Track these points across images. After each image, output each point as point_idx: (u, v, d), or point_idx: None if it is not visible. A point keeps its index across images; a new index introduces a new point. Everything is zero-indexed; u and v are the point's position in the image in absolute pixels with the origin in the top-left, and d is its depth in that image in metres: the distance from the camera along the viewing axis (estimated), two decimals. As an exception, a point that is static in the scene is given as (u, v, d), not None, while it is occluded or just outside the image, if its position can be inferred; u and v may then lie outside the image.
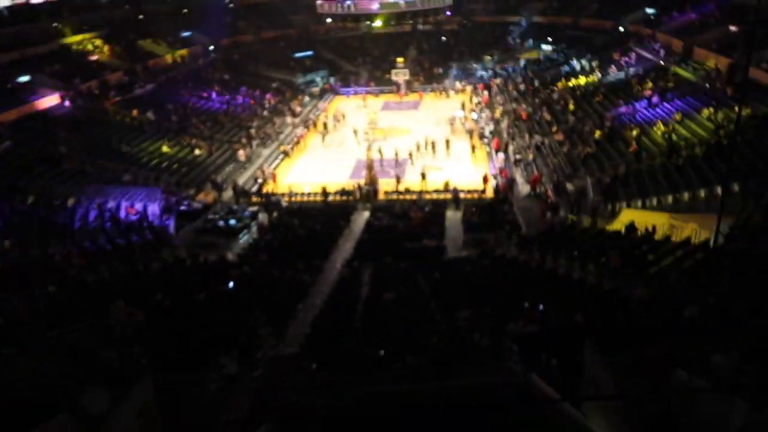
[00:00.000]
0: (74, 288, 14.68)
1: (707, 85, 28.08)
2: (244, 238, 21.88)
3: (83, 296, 13.74)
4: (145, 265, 17.15)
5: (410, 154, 29.85)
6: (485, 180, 26.13)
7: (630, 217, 19.05)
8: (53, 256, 17.33)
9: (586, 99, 33.38)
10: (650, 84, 30.82)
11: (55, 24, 40.31)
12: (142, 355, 9.17)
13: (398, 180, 26.85)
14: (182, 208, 24.04)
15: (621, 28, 42.15)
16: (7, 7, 38.35)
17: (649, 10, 41.84)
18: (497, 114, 35.54)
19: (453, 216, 23.50)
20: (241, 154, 30.75)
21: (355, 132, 33.35)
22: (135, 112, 32.57)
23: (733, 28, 31.97)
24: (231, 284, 15.00)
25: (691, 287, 12.53)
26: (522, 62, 44.73)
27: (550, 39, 46.39)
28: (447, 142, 30.81)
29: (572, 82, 36.70)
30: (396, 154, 29.73)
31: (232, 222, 22.41)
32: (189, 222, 22.87)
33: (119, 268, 17.01)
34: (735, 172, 19.09)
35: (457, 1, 51.14)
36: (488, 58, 47.07)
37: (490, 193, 25.10)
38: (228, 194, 26.81)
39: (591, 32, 44.93)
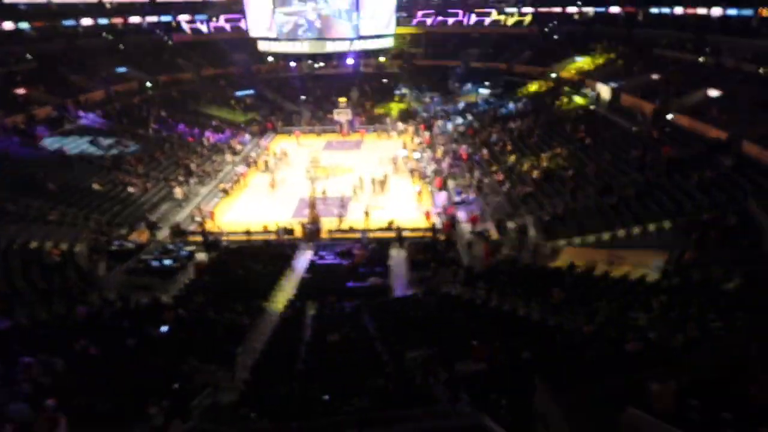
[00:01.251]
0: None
1: (634, 128, 29.72)
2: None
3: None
4: (69, 308, 15.93)
5: (354, 191, 29.85)
6: (427, 216, 26.36)
7: (570, 254, 19.52)
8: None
9: (522, 140, 34.55)
10: (583, 127, 32.29)
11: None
12: (58, 407, 8.32)
13: (341, 218, 26.68)
14: (113, 248, 22.80)
15: (553, 75, 44.35)
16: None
17: (579, 59, 44.36)
18: (438, 154, 36.20)
19: (397, 254, 23.38)
20: (178, 192, 29.74)
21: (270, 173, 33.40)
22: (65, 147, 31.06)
23: (654, 76, 34.26)
24: (164, 328, 14.11)
25: (631, 321, 12.80)
26: (461, 104, 46.13)
27: (487, 83, 48.25)
28: (385, 176, 31.14)
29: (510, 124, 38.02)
30: (338, 193, 29.63)
31: (168, 262, 21.40)
32: (120, 262, 21.66)
33: (39, 312, 15.73)
34: (665, 210, 20.06)
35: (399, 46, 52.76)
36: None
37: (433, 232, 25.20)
38: (163, 233, 25.73)
39: (525, 77, 47.08)
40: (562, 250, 20.62)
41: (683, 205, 19.96)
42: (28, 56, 41.64)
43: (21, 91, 36.43)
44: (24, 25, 44.09)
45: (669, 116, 28.96)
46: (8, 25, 41.98)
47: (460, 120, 42.30)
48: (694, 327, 11.17)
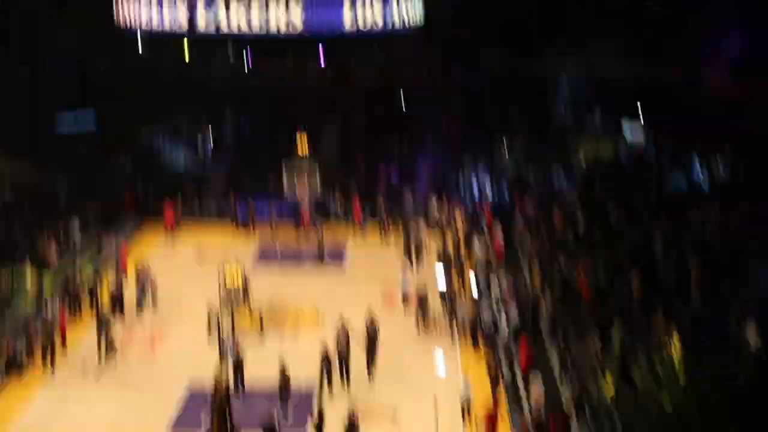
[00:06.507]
0: None
1: None
2: None
3: None
4: None
5: (321, 375, 29.99)
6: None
7: None
8: None
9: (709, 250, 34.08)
10: None
11: None
12: None
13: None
14: None
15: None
16: None
17: None
18: (534, 282, 36.17)
19: None
20: None
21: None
22: None
23: None
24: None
25: None
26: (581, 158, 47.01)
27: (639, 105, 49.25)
28: (371, 339, 31.46)
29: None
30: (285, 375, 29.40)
31: None
32: None
33: None
34: None
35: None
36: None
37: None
38: None
39: (723, 101, 47.74)
40: None
41: None
42: None
43: None
44: None
45: None
46: None
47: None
48: None
